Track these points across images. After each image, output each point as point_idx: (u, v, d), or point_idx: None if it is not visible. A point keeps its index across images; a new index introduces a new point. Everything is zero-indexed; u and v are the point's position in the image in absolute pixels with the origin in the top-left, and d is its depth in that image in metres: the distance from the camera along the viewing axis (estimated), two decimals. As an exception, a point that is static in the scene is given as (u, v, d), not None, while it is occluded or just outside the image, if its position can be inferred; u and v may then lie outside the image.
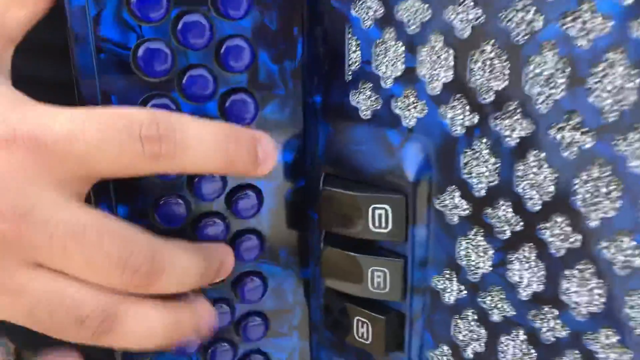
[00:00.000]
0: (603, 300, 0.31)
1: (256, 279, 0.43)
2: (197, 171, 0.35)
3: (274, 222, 0.42)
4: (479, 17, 0.31)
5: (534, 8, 0.29)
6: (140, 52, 0.35)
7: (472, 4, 0.31)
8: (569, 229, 0.31)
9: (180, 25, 0.35)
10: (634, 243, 0.29)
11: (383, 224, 0.37)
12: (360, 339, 0.40)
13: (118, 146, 0.31)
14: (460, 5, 0.32)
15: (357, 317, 0.40)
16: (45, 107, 0.32)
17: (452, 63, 0.33)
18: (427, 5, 0.33)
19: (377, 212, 0.36)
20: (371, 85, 0.36)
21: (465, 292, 0.36)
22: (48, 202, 0.30)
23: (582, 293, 0.31)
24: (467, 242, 0.35)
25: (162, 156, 0.32)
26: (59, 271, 0.31)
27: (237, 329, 0.44)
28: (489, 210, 0.34)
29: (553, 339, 0.33)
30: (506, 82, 0.31)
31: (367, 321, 0.39)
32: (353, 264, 0.38)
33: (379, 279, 0.38)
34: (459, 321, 0.37)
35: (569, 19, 0.28)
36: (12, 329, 0.57)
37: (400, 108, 0.35)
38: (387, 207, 0.36)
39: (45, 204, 0.30)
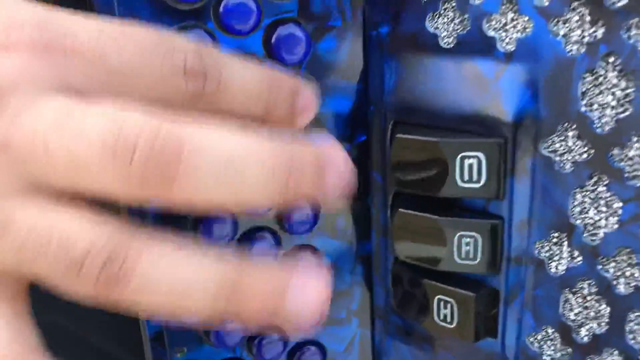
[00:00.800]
0: None
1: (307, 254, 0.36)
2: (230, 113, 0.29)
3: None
4: None
5: None
6: (168, -29, 0.29)
7: None
8: None
9: None
10: None
11: (475, 177, 0.29)
12: (442, 323, 0.33)
13: (158, 76, 0.24)
14: None
15: (439, 296, 0.32)
16: (62, 11, 0.25)
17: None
18: None
19: (467, 162, 0.29)
20: (455, 3, 0.29)
21: (580, 258, 0.29)
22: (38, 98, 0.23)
23: None
24: (583, 195, 0.28)
25: (203, 95, 0.26)
26: (54, 200, 0.23)
27: (287, 316, 0.37)
28: (616, 151, 0.26)
29: None
30: (646, -22, 0.24)
31: (452, 300, 0.32)
32: (434, 230, 0.31)
33: (467, 247, 0.31)
34: (569, 296, 0.30)
35: None
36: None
37: (495, 29, 0.28)
38: (480, 155, 0.29)
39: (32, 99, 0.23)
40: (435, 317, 0.33)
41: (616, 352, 0.29)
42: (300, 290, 0.24)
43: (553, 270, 0.30)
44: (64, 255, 0.22)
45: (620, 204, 0.27)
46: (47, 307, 0.50)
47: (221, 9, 0.30)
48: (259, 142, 0.23)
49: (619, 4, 0.25)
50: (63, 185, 0.23)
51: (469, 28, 0.29)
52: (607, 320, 0.29)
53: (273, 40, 0.31)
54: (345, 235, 0.37)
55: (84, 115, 0.22)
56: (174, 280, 0.23)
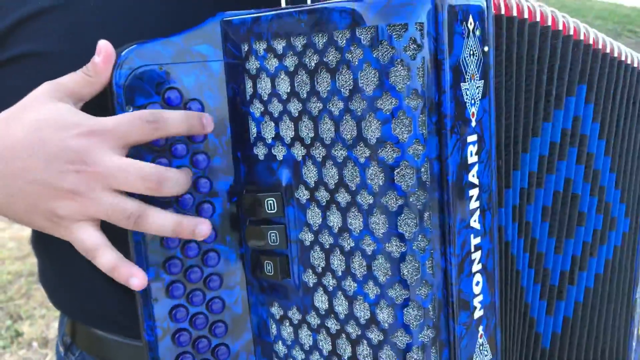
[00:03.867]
0: (364, 223, 0.70)
1: (214, 253, 0.81)
2: None
3: (222, 221, 0.81)
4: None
5: (320, 100, 0.71)
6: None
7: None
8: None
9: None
10: (369, 193, 0.69)
11: (273, 208, 0.76)
12: (268, 273, 0.78)
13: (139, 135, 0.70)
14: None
15: (265, 261, 0.78)
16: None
17: (293, 126, 0.74)
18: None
19: (269, 202, 0.76)
20: (263, 143, 0.77)
21: (313, 235, 0.74)
22: (108, 158, 0.68)
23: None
24: (310, 211, 0.74)
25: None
26: (117, 191, 0.68)
27: (205, 283, 0.81)
28: (316, 193, 0.73)
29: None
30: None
31: (270, 261, 0.77)
32: (260, 231, 0.77)
33: (273, 236, 0.76)
34: (313, 253, 0.75)
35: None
36: (69, 307, 0.94)
37: (276, 152, 0.76)
38: (273, 199, 0.76)
39: (106, 160, 0.68)
40: (265, 272, 0.78)
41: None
42: (198, 225, 0.74)
43: (306, 244, 0.75)
44: (124, 212, 0.69)
45: (322, 213, 0.73)
46: (69, 289, 0.96)
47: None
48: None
49: (308, 142, 0.73)
50: (123, 188, 0.69)
51: (267, 151, 0.76)
52: (324, 258, 0.74)
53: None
54: (231, 244, 0.82)
55: (132, 170, 0.69)
56: (161, 222, 0.70)
